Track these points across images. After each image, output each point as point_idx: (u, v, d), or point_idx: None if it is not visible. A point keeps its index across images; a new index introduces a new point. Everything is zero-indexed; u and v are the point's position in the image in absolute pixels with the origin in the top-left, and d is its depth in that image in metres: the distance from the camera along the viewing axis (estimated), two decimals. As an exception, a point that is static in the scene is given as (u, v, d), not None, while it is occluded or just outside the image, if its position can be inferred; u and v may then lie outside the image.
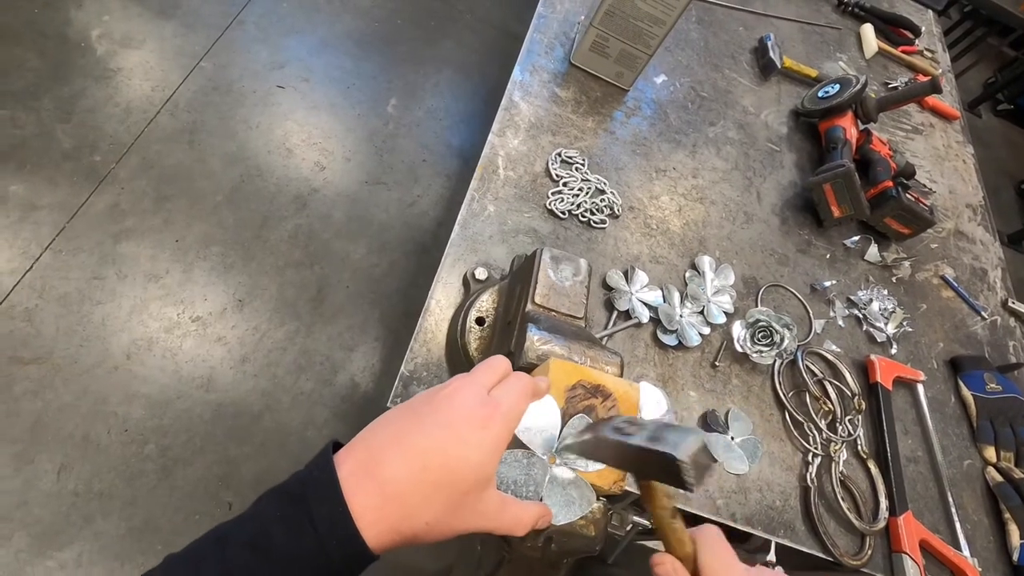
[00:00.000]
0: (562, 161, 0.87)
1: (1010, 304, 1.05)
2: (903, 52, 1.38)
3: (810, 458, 0.75)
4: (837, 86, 1.08)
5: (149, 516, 1.22)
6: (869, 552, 0.70)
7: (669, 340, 0.76)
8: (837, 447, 0.75)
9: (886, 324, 0.92)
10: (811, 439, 0.76)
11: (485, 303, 0.66)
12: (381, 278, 1.66)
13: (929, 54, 1.44)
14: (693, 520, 0.42)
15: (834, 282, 0.93)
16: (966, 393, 0.90)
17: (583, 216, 0.83)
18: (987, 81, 3.45)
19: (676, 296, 0.80)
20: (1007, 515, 0.79)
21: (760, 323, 0.78)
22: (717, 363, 0.78)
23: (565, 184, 0.85)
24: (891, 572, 0.71)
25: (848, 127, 1.03)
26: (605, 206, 0.85)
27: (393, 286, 1.66)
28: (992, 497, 0.82)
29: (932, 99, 1.30)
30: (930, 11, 1.59)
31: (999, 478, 0.82)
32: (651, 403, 0.70)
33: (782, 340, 0.77)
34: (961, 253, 1.10)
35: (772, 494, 0.72)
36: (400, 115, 1.95)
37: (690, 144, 1.00)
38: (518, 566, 0.45)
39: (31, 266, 1.38)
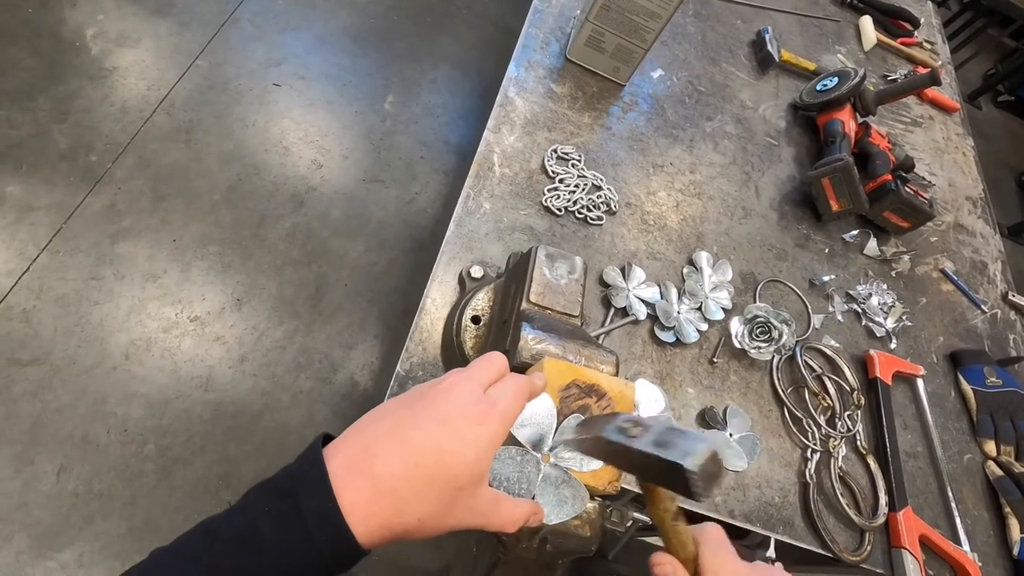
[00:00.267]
0: (558, 157, 0.87)
1: (1010, 297, 1.05)
2: (902, 44, 1.37)
3: (809, 454, 0.74)
4: (835, 79, 1.07)
5: (149, 516, 1.23)
6: (868, 548, 0.70)
7: (667, 337, 0.76)
8: (836, 443, 0.75)
9: (885, 319, 0.91)
10: (810, 435, 0.76)
11: (481, 301, 0.66)
12: (379, 276, 1.65)
13: (928, 46, 1.43)
14: (691, 518, 0.42)
15: (833, 277, 0.92)
16: (966, 387, 0.89)
17: (580, 213, 0.83)
18: (987, 72, 3.43)
19: (674, 292, 0.79)
20: (1007, 509, 0.79)
21: (758, 319, 0.78)
22: (715, 359, 0.78)
23: (561, 181, 0.84)
24: (891, 568, 0.71)
25: (847, 120, 1.03)
26: (602, 202, 0.84)
27: (391, 284, 1.65)
28: (992, 491, 0.82)
29: (931, 91, 1.29)
30: (929, 2, 1.58)
31: (999, 472, 0.82)
32: (648, 400, 0.70)
33: (780, 336, 0.77)
34: (961, 246, 1.10)
35: (771, 490, 0.72)
36: (397, 112, 1.95)
37: (687, 139, 0.99)
38: (514, 567, 0.44)
39: (28, 267, 1.38)
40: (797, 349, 0.80)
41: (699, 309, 0.80)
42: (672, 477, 0.30)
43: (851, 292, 0.92)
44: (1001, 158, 3.20)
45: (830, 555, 0.69)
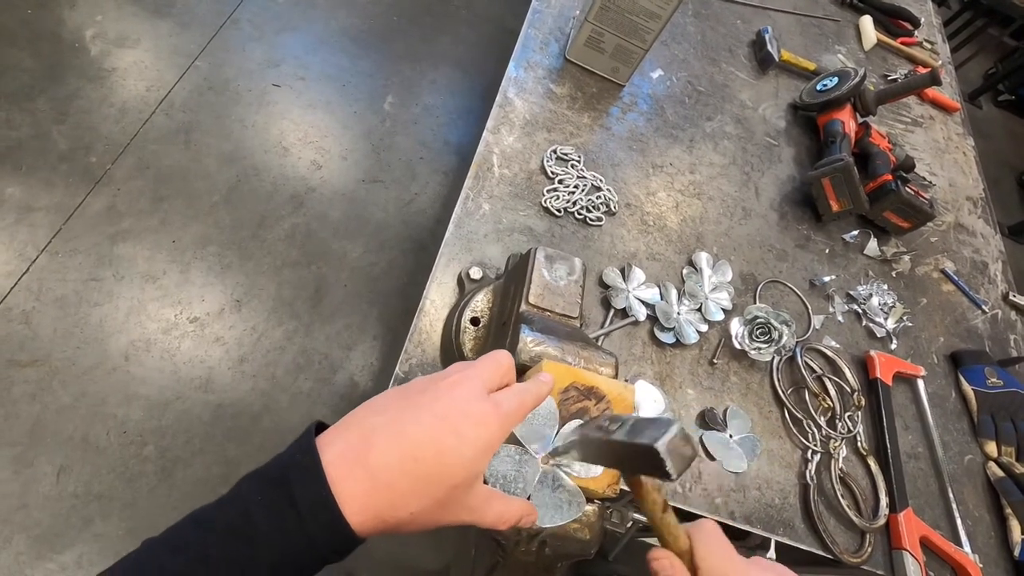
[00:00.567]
0: (557, 158, 0.86)
1: (1011, 297, 1.05)
2: (902, 44, 1.37)
3: (809, 455, 0.74)
4: (836, 79, 1.07)
5: (149, 517, 1.22)
6: (869, 549, 0.70)
7: (666, 338, 0.76)
8: (836, 444, 0.75)
9: (886, 319, 0.91)
10: (810, 436, 0.75)
11: (480, 303, 0.65)
12: (379, 277, 1.65)
13: (929, 45, 1.42)
14: (691, 519, 0.42)
15: (833, 277, 0.92)
16: (967, 388, 0.89)
17: (579, 214, 0.82)
18: (987, 72, 3.43)
19: (673, 293, 0.79)
20: (1008, 510, 0.79)
21: (758, 320, 0.78)
22: (715, 360, 0.77)
23: (561, 181, 0.84)
24: (891, 569, 0.71)
25: (847, 120, 1.02)
26: (601, 203, 0.84)
27: (391, 284, 1.65)
28: (993, 492, 0.82)
29: (932, 91, 1.29)
30: (929, 1, 1.57)
31: (1000, 473, 0.82)
32: (648, 401, 0.70)
33: (780, 337, 0.77)
34: (961, 246, 1.09)
35: (771, 492, 0.71)
36: (397, 112, 1.95)
37: (687, 139, 0.99)
38: (512, 570, 0.44)
39: (28, 268, 1.38)
40: (797, 350, 0.80)
41: (699, 310, 0.79)
42: (648, 461, 0.32)
43: (851, 292, 0.92)
44: (1001, 157, 3.20)
45: (830, 557, 0.69)
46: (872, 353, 0.85)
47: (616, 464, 0.38)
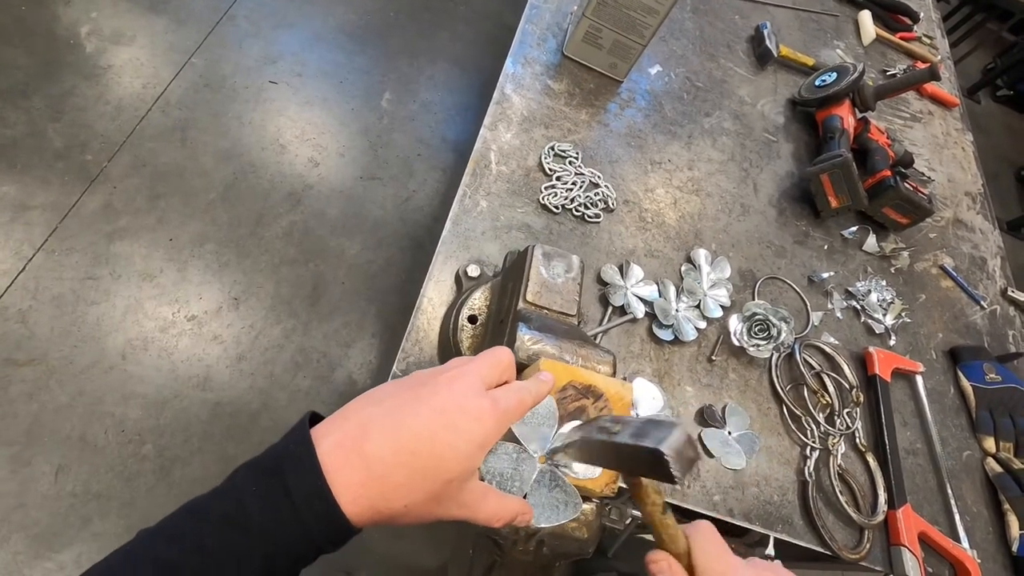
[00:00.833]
0: (555, 155, 0.86)
1: (1010, 293, 1.05)
2: (901, 39, 1.37)
3: (808, 452, 0.74)
4: (834, 74, 1.06)
5: (147, 516, 1.22)
6: (868, 546, 0.70)
7: (665, 335, 0.75)
8: (835, 440, 0.75)
9: (884, 315, 0.91)
10: (809, 433, 0.75)
11: (477, 301, 0.65)
12: (377, 274, 1.65)
13: (928, 40, 1.42)
14: (689, 517, 0.41)
15: (832, 273, 0.92)
16: (965, 384, 0.89)
17: (577, 210, 0.82)
18: (986, 67, 3.42)
19: (672, 290, 0.79)
20: (1006, 506, 0.79)
21: (757, 316, 0.77)
22: (714, 357, 0.77)
23: (558, 178, 0.84)
24: (890, 565, 0.71)
25: (846, 116, 1.02)
26: (599, 200, 0.84)
27: (389, 282, 1.65)
28: (991, 488, 0.82)
29: (931, 86, 1.29)
30: (928, -4, 1.57)
31: (998, 469, 0.82)
32: (647, 399, 0.69)
33: (779, 333, 0.77)
34: (960, 242, 1.09)
35: (770, 488, 0.71)
36: (394, 109, 1.94)
37: (685, 135, 0.99)
38: (510, 570, 0.44)
39: (24, 267, 1.37)
40: (796, 346, 0.80)
41: (697, 307, 0.79)
42: (652, 464, 0.31)
43: (850, 289, 0.92)
44: (1000, 152, 3.20)
45: (829, 553, 0.69)
46: (871, 349, 0.85)
47: (617, 466, 0.38)
